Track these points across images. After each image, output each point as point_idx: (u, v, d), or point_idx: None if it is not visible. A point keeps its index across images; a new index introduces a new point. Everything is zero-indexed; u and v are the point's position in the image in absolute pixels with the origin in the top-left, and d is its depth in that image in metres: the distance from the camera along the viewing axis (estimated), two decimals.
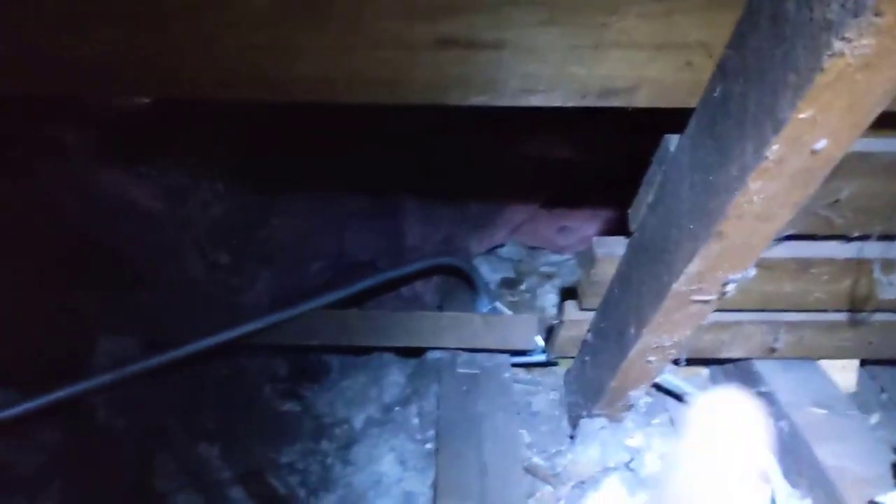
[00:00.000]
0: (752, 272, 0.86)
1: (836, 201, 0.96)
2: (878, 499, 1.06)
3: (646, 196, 0.97)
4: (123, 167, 1.20)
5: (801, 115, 0.62)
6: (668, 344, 1.04)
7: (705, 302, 0.91)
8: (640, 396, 1.26)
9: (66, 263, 1.22)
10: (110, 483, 1.18)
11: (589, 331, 1.27)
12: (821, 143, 0.65)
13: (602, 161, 1.47)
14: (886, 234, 1.03)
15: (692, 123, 0.81)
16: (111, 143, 1.17)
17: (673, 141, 0.89)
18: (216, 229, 1.31)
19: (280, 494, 1.23)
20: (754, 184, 0.70)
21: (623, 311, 1.08)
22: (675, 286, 0.89)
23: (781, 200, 0.73)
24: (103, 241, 1.23)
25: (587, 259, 1.18)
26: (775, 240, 0.99)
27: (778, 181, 0.70)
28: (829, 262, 1.09)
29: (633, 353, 1.06)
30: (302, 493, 1.24)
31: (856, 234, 1.04)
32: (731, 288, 0.88)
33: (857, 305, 1.19)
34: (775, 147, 0.66)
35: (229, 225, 1.32)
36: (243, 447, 1.28)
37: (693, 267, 0.84)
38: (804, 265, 1.09)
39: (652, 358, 1.08)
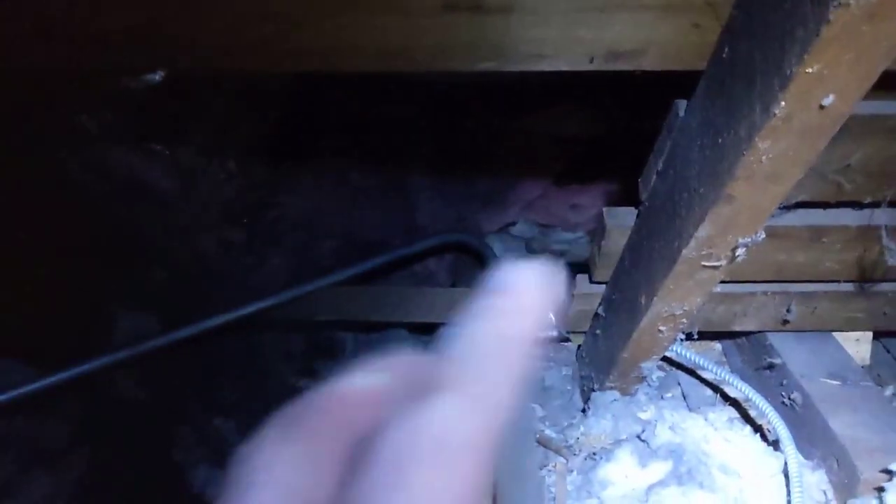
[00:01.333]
0: (762, 236, 0.86)
1: (847, 166, 0.95)
2: (892, 467, 1.06)
3: (656, 164, 0.98)
4: (137, 147, 1.21)
5: (809, 70, 0.62)
6: (678, 312, 1.04)
7: (715, 267, 0.91)
8: (653, 369, 1.27)
9: (83, 242, 1.23)
10: (131, 455, 1.19)
11: (600, 304, 1.27)
12: (829, 99, 0.65)
13: (614, 137, 1.46)
14: None
15: (701, 86, 0.81)
16: (124, 123, 1.18)
17: (682, 106, 0.89)
18: (229, 208, 1.32)
19: None
20: (763, 143, 0.70)
21: (634, 281, 1.08)
22: (685, 252, 0.89)
23: (790, 160, 0.73)
24: (119, 221, 1.25)
25: (597, 230, 1.18)
26: (786, 207, 0.99)
27: (786, 140, 0.70)
28: (842, 229, 1.08)
29: (644, 322, 1.06)
30: None
31: (867, 201, 1.03)
32: (741, 252, 0.88)
33: (869, 275, 1.19)
34: (783, 104, 0.66)
35: (242, 204, 1.33)
36: (259, 422, 1.29)
37: (703, 231, 0.85)
38: (816, 233, 1.09)
39: (663, 327, 1.08)
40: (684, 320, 1.07)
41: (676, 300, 1.01)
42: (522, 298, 0.31)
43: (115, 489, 1.16)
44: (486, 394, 0.28)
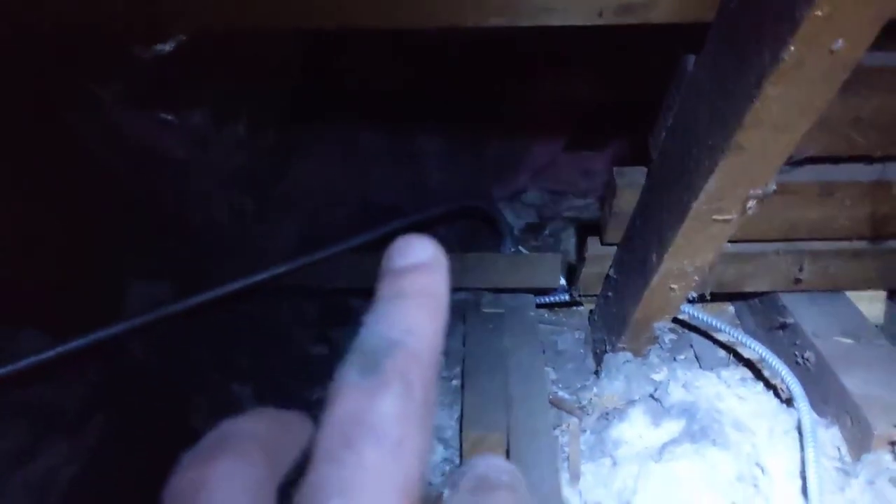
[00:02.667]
0: (773, 188, 0.86)
1: (858, 119, 0.95)
2: None
3: (665, 120, 0.97)
4: (149, 115, 1.22)
5: (818, 13, 0.62)
6: (690, 269, 1.04)
7: (726, 221, 0.91)
8: (665, 330, 1.27)
9: (95, 211, 1.25)
10: (148, 421, 1.21)
11: (612, 265, 1.27)
12: (838, 43, 0.65)
13: (624, 102, 1.46)
14: None
15: (710, 36, 0.81)
16: (136, 91, 1.19)
17: (691, 60, 0.88)
18: (241, 175, 1.33)
19: None
20: (772, 90, 0.70)
21: (645, 239, 1.09)
22: (695, 206, 0.89)
23: (800, 107, 0.73)
24: (132, 189, 1.26)
25: (607, 191, 1.18)
26: (797, 162, 0.99)
27: (795, 86, 0.70)
28: (854, 185, 1.08)
29: (656, 280, 1.07)
30: None
31: (879, 155, 1.03)
32: (752, 205, 0.88)
33: (881, 232, 1.19)
34: (792, 48, 0.65)
35: (253, 171, 1.33)
36: (275, 386, 1.31)
37: (713, 184, 0.85)
38: (827, 189, 1.09)
39: (674, 285, 1.09)
40: (696, 278, 1.07)
41: (688, 257, 1.01)
42: (426, 276, 0.32)
43: (131, 456, 1.18)
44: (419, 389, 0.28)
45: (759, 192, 0.86)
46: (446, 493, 0.32)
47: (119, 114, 1.20)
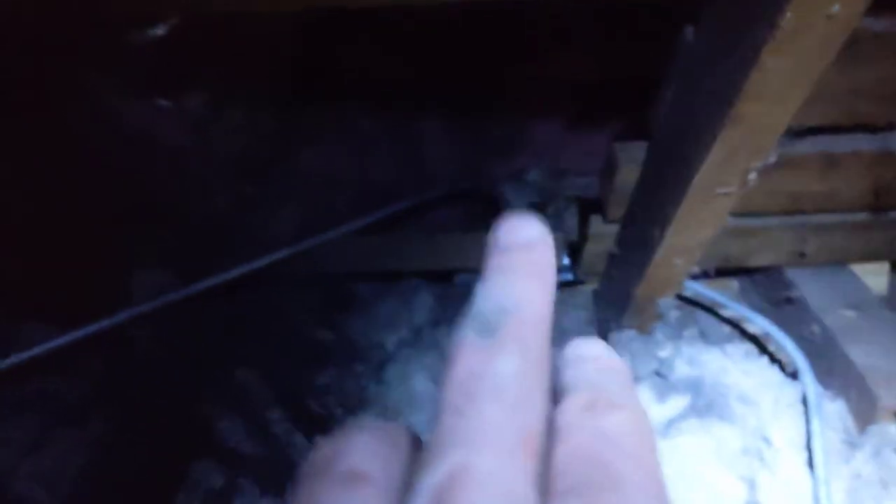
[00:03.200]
0: (773, 158, 0.86)
1: (858, 88, 0.94)
2: None
3: (666, 93, 0.97)
4: (146, 101, 1.22)
5: None
6: (692, 244, 1.04)
7: (728, 194, 0.91)
8: (670, 306, 1.27)
9: (96, 199, 1.24)
10: (153, 409, 1.22)
11: (615, 243, 1.27)
12: (835, 7, 0.64)
13: (628, 81, 1.44)
14: None
15: (706, 6, 0.80)
16: (132, 78, 1.18)
17: (690, 31, 0.87)
18: (240, 161, 1.32)
19: (318, 414, 1.26)
20: (769, 58, 0.70)
21: (647, 214, 1.08)
22: (696, 179, 0.88)
23: (798, 75, 0.72)
24: (131, 177, 1.26)
25: (609, 167, 1.17)
26: (798, 133, 0.98)
27: (793, 53, 0.69)
28: (856, 155, 1.07)
29: (659, 255, 1.06)
30: (339, 411, 1.27)
31: (882, 124, 1.02)
32: (753, 177, 0.87)
33: (885, 203, 1.18)
34: (788, 15, 0.65)
35: (253, 156, 1.33)
36: (280, 373, 1.31)
37: (714, 156, 0.84)
38: (830, 160, 1.08)
39: (678, 260, 1.08)
40: (698, 252, 1.07)
41: (690, 231, 1.01)
42: (535, 252, 0.33)
43: (138, 445, 1.18)
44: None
45: (760, 163, 0.85)
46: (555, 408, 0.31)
47: (115, 101, 1.20)
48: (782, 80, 0.72)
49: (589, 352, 0.36)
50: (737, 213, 1.14)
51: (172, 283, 1.31)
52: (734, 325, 1.31)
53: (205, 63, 1.18)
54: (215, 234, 1.34)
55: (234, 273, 1.31)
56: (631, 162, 1.12)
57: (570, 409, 0.30)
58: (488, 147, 1.61)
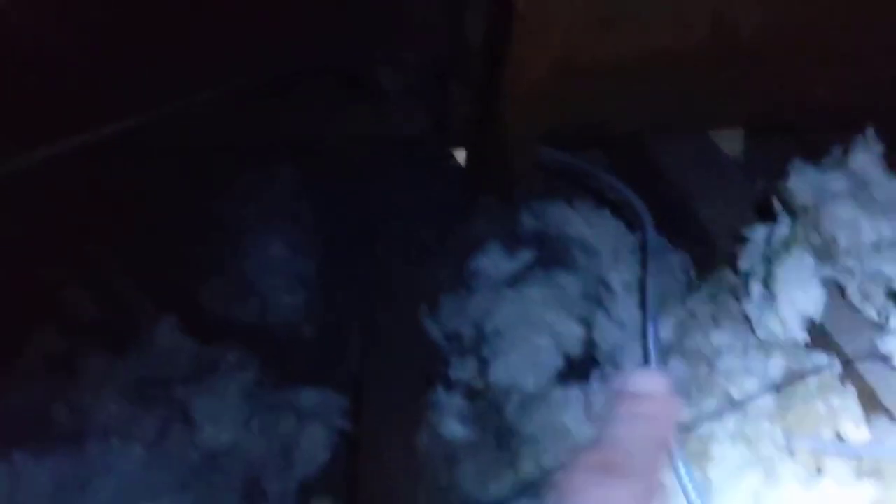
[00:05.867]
0: None
1: None
2: (745, 233, 1.08)
3: None
4: None
5: None
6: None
7: None
8: (527, 169, 1.28)
9: None
10: None
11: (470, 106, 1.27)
12: None
13: None
14: None
15: None
16: None
17: None
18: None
19: (171, 282, 1.24)
20: None
21: (488, 63, 1.07)
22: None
23: None
24: None
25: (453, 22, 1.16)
26: None
27: None
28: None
29: (508, 105, 1.06)
30: (192, 281, 1.25)
31: None
32: None
33: (734, 59, 1.20)
34: None
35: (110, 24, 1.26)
36: (136, 247, 1.28)
37: None
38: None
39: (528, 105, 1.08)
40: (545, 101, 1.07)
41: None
42: (661, 405, 0.42)
43: None
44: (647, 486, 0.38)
45: None
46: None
47: None
48: None
49: (645, 388, 0.43)
50: (592, 69, 1.14)
51: (21, 148, 1.24)
52: (585, 183, 1.31)
53: None
54: (65, 97, 1.27)
55: (86, 139, 1.25)
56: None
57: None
58: (359, 24, 1.56)
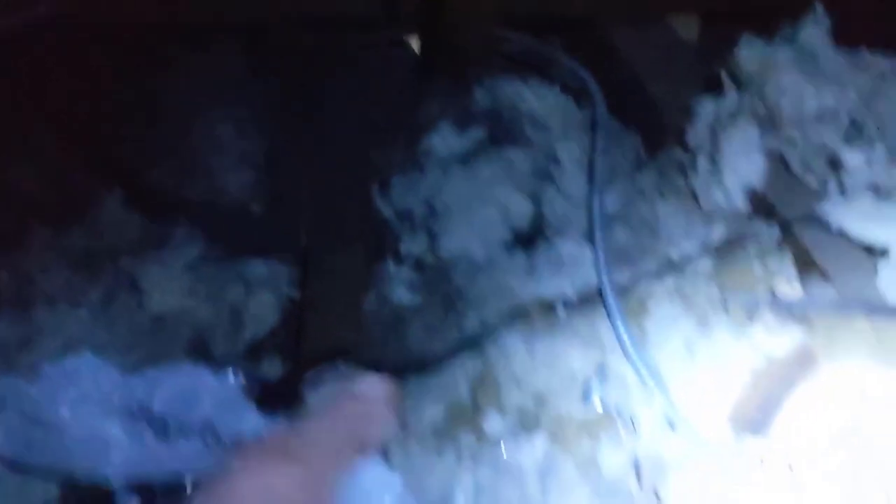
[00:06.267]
0: None
1: None
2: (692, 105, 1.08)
3: None
4: None
5: None
6: None
7: None
8: (478, 48, 1.26)
9: None
10: None
11: None
12: None
13: None
14: None
15: None
16: None
17: None
18: None
19: (122, 161, 1.22)
20: None
21: None
22: None
23: None
24: None
25: None
26: None
27: None
28: None
29: None
30: (140, 160, 1.23)
31: None
32: None
33: None
34: None
35: None
36: (81, 127, 1.25)
37: None
38: None
39: None
40: None
41: None
42: (374, 409, 0.47)
43: None
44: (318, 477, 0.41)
45: None
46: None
47: None
48: None
49: (367, 392, 0.49)
50: None
51: None
52: (539, 65, 1.30)
53: None
54: None
55: (28, 17, 1.21)
56: None
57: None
58: None
